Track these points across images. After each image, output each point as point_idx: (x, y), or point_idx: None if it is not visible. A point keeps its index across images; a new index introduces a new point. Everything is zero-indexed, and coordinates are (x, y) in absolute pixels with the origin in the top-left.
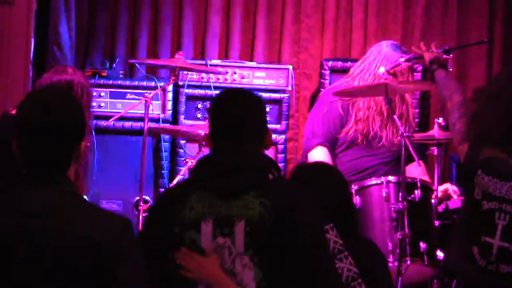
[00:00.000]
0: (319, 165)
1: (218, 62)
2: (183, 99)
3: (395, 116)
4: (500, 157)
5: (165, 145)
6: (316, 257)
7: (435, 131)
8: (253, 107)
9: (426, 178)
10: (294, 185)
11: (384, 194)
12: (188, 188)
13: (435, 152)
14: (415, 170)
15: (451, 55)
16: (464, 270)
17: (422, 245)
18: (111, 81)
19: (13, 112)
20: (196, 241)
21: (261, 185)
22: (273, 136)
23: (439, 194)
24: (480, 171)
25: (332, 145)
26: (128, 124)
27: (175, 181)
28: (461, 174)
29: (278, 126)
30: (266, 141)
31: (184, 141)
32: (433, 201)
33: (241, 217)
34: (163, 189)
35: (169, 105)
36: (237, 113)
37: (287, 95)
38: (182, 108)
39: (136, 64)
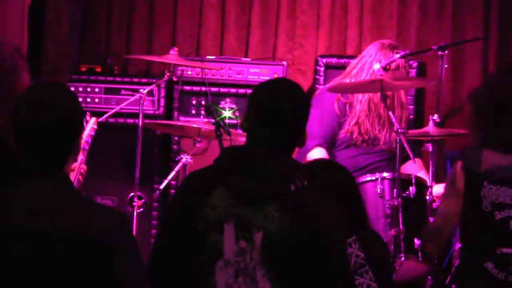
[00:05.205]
0: (324, 160)
1: (212, 58)
2: (177, 95)
3: (390, 113)
4: (503, 164)
5: (159, 141)
6: (335, 280)
7: (429, 128)
8: (298, 105)
9: (423, 173)
10: (316, 198)
11: (378, 190)
12: (211, 179)
13: (430, 149)
14: (413, 167)
15: (446, 52)
16: None
17: (417, 241)
18: (105, 77)
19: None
20: (218, 243)
21: (283, 197)
22: None
23: (436, 199)
24: (486, 183)
25: (329, 145)
26: (122, 120)
27: (169, 177)
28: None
29: None
30: (300, 141)
31: (178, 137)
32: (427, 197)
33: (259, 228)
34: (157, 185)
35: (163, 101)
36: (279, 108)
37: None
38: (177, 104)
39: (131, 60)
